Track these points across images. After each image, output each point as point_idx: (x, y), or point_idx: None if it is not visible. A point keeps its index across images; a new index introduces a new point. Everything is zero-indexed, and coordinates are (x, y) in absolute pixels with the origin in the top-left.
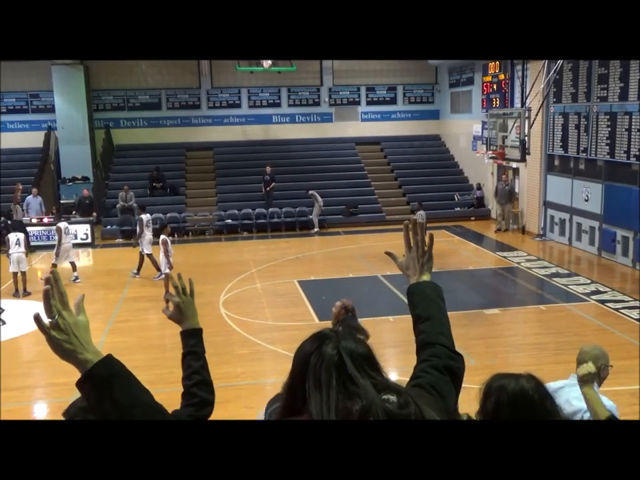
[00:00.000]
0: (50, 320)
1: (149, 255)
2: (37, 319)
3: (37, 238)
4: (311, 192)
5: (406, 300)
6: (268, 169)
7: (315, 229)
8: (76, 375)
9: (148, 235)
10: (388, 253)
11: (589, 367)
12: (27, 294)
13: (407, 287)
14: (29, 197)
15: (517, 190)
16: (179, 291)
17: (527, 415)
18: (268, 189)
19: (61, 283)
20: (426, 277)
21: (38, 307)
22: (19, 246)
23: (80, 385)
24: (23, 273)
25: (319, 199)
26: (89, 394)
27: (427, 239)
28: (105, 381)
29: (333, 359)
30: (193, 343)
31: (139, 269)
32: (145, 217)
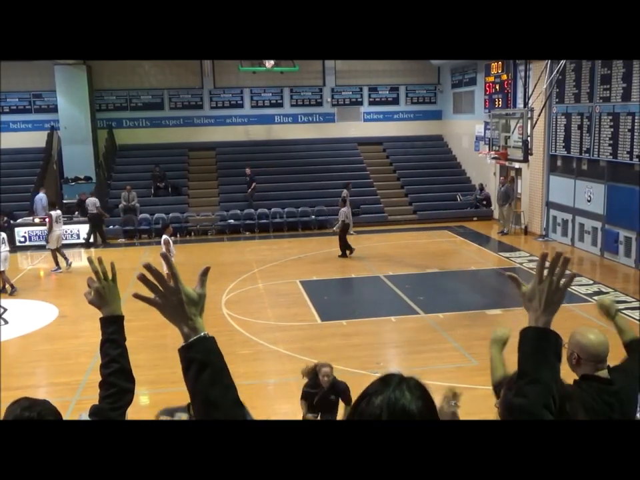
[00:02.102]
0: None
1: (52, 251)
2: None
3: (39, 238)
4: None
5: (408, 301)
6: (248, 170)
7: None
8: (77, 374)
9: (57, 231)
10: (511, 277)
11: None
12: (14, 291)
13: (524, 328)
14: (41, 194)
15: (519, 190)
16: (99, 276)
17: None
18: (250, 190)
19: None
20: (547, 319)
21: (44, 307)
22: (5, 245)
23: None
24: (2, 272)
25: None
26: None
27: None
28: (206, 357)
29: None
30: (111, 330)
31: (57, 264)
32: (55, 213)
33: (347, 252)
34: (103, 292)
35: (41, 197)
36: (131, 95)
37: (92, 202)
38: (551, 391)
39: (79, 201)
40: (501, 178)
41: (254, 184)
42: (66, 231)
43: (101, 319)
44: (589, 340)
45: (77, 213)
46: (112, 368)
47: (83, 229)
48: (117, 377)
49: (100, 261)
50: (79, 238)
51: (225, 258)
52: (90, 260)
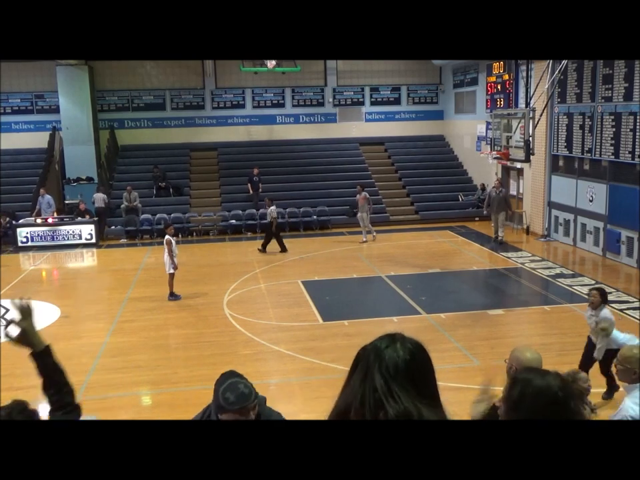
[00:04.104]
0: None
1: None
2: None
3: (41, 238)
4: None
5: (410, 301)
6: (256, 170)
7: (372, 235)
8: (79, 375)
9: None
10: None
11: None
12: None
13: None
14: (39, 198)
15: (521, 190)
16: (25, 313)
17: (548, 410)
18: (260, 190)
19: None
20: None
21: (42, 307)
22: None
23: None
24: None
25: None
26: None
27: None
28: None
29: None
30: (51, 360)
31: None
32: None
33: (280, 247)
34: (29, 329)
35: (39, 200)
36: (133, 96)
37: (100, 197)
38: None
39: (78, 211)
40: (495, 182)
41: (260, 185)
42: (68, 231)
43: (38, 353)
44: (524, 356)
45: (78, 217)
46: (64, 390)
47: (85, 229)
48: (72, 396)
49: (23, 300)
50: (80, 238)
51: (227, 258)
52: (15, 302)
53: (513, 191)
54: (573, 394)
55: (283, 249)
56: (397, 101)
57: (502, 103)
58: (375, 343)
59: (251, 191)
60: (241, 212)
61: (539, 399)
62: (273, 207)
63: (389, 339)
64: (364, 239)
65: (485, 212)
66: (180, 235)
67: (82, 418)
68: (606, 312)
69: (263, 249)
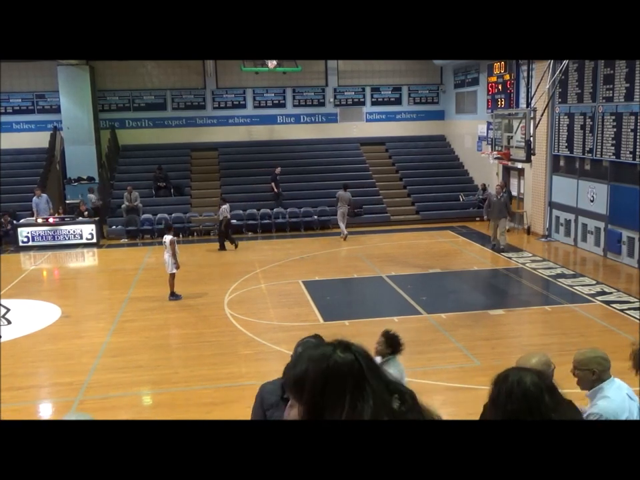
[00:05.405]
0: None
1: None
2: None
3: (42, 238)
4: (338, 194)
5: (410, 301)
6: (278, 169)
7: (342, 235)
8: (80, 375)
9: None
10: None
11: None
12: None
13: None
14: (34, 198)
15: (522, 190)
16: None
17: (522, 406)
18: (280, 189)
19: None
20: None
21: (47, 307)
22: None
23: None
24: None
25: (345, 200)
26: None
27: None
28: None
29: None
30: None
31: None
32: None
33: (231, 244)
34: None
35: (35, 200)
36: (134, 96)
37: (90, 198)
38: None
39: (78, 211)
40: (496, 186)
41: (272, 184)
42: (68, 231)
43: None
44: (529, 363)
45: (79, 217)
46: None
47: (86, 229)
48: None
49: None
50: (81, 238)
51: (228, 258)
52: None
53: (513, 192)
54: (548, 388)
55: (222, 248)
56: (398, 101)
57: (503, 103)
58: (357, 351)
59: (275, 190)
60: (241, 212)
61: (512, 396)
62: (225, 206)
63: (341, 344)
64: (344, 233)
65: (485, 217)
66: (180, 235)
67: (79, 418)
68: (397, 366)
69: (222, 247)
